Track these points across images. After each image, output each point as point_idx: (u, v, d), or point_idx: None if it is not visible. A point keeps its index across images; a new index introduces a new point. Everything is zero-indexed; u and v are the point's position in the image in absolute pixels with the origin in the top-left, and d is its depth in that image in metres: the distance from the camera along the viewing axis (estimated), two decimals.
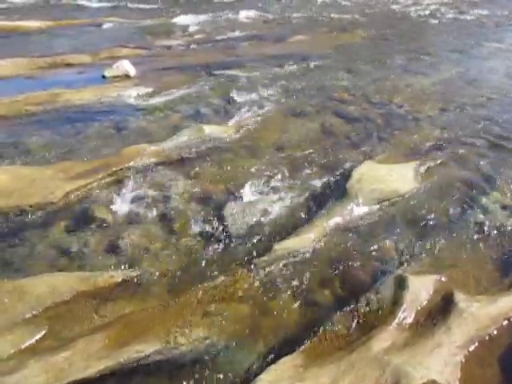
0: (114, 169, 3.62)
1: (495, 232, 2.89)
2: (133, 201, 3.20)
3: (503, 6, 13.21)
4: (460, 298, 2.31)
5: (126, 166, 3.68)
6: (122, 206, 3.15)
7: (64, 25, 10.29)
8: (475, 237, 2.85)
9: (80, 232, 2.91)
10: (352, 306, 2.28)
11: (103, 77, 6.26)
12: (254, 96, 5.34)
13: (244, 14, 11.58)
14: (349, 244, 2.79)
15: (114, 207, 3.14)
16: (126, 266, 2.61)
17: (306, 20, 11.07)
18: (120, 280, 2.50)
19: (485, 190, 3.34)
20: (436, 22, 10.76)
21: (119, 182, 3.47)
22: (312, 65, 6.90)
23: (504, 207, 3.13)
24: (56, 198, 3.22)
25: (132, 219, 3.04)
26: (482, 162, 3.75)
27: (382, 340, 2.08)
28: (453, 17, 11.48)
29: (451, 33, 9.44)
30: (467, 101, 5.21)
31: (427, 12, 12.18)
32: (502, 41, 8.53)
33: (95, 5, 13.97)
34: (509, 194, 3.28)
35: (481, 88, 5.71)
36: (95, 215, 3.07)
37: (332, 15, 11.72)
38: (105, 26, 10.25)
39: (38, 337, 2.14)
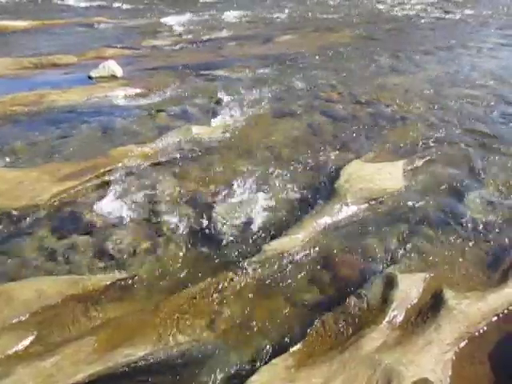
0: (102, 170, 3.58)
1: (483, 228, 2.92)
2: (121, 202, 3.17)
3: (487, 5, 13.38)
4: (450, 295, 2.33)
5: (114, 167, 3.64)
6: (109, 207, 3.12)
7: (50, 25, 10.19)
8: (463, 234, 2.87)
9: (67, 235, 2.87)
10: (342, 305, 2.28)
11: (89, 77, 6.20)
12: (241, 96, 5.33)
13: (231, 14, 11.57)
14: (338, 243, 2.79)
15: (101, 209, 3.11)
16: (115, 268, 2.58)
17: (293, 20, 11.09)
18: (109, 283, 2.47)
19: (472, 187, 3.37)
20: (422, 21, 10.85)
21: (107, 184, 3.42)
22: (299, 64, 6.91)
23: (491, 203, 3.16)
24: (42, 200, 3.18)
25: (120, 221, 3.00)
26: (468, 160, 3.79)
27: (373, 339, 2.08)
28: (438, 16, 11.59)
29: (437, 32, 9.53)
30: (454, 99, 5.26)
31: (413, 12, 12.28)
32: (486, 39, 8.64)
33: (82, 4, 13.86)
34: (495, 191, 3.31)
35: (467, 86, 5.76)
36: (83, 217, 3.03)
37: (318, 15, 11.76)
38: (92, 26, 10.16)
39: (25, 342, 2.10)
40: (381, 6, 13.46)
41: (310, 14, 11.88)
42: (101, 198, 3.23)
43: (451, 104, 5.11)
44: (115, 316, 2.27)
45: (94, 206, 3.14)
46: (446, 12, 12.16)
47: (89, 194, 3.32)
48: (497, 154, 3.89)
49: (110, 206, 3.14)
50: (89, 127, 4.49)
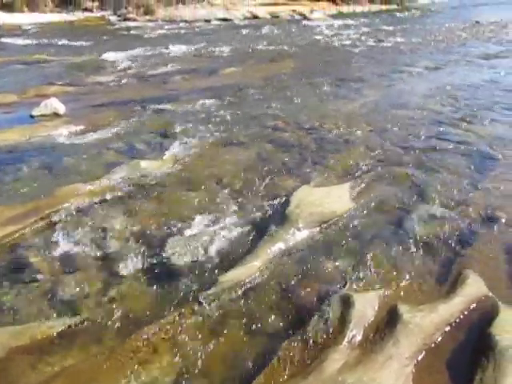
0: (47, 211, 3.44)
1: (430, 242, 3.04)
2: (69, 244, 3.05)
3: (416, 33, 14.39)
4: (404, 309, 2.40)
5: (60, 207, 3.51)
6: (57, 250, 2.99)
7: None
8: (412, 249, 2.98)
9: (12, 283, 2.71)
10: (302, 330, 2.29)
11: (31, 116, 6.03)
12: (189, 129, 5.35)
13: (174, 49, 11.72)
14: (293, 269, 2.81)
15: (48, 253, 2.97)
16: (65, 314, 2.46)
17: (236, 53, 11.38)
18: (60, 330, 2.34)
19: (416, 204, 3.52)
20: (357, 50, 11.46)
21: (53, 225, 3.29)
22: (245, 95, 7.06)
23: (435, 218, 3.32)
24: None
25: (69, 264, 2.88)
26: (410, 178, 3.97)
27: (335, 360, 2.09)
28: (372, 45, 12.30)
29: (372, 59, 10.09)
30: (391, 121, 5.54)
31: (349, 41, 12.97)
32: (417, 64, 9.24)
33: (21, 42, 13.55)
34: (439, 206, 3.48)
35: (402, 109, 6.11)
36: (28, 263, 2.88)
37: (260, 47, 12.15)
38: (32, 64, 9.94)
39: None
40: (319, 37, 14.12)
41: (252, 47, 12.24)
42: (47, 240, 3.10)
43: (389, 126, 5.38)
44: (68, 365, 2.14)
45: (41, 250, 3.00)
46: (379, 41, 12.94)
47: (34, 238, 3.17)
48: (436, 170, 4.12)
49: (57, 248, 3.01)
50: (32, 167, 4.33)
